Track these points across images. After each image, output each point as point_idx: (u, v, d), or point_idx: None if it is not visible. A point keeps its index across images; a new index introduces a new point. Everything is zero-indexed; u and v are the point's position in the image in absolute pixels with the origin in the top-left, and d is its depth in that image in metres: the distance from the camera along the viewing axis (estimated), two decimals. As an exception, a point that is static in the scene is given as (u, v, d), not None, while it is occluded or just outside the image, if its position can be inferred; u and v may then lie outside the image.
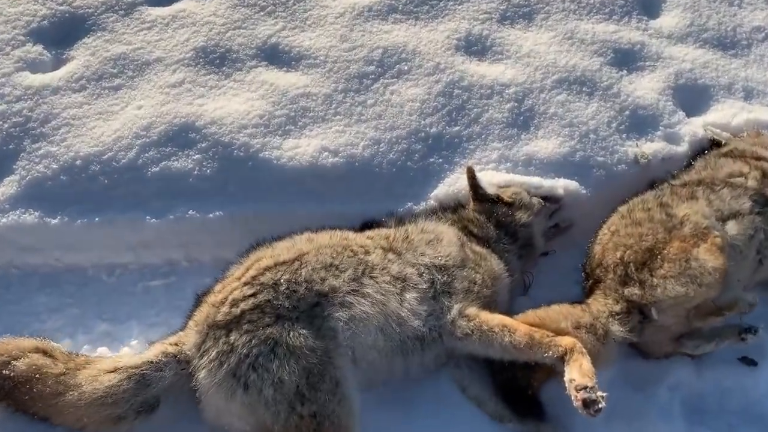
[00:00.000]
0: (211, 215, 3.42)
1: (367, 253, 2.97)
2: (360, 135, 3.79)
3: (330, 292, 2.76)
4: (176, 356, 2.66)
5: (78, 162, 3.50)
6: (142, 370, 2.60)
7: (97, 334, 3.10)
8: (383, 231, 3.18)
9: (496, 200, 3.40)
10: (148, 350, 2.74)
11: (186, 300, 3.25)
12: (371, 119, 3.86)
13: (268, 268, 2.81)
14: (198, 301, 2.91)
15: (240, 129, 3.69)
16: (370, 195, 3.61)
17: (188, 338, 2.70)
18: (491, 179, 3.61)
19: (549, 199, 3.61)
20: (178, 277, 3.35)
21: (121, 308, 3.21)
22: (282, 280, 2.75)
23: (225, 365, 2.55)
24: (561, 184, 3.67)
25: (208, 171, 3.54)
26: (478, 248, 3.18)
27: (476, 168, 3.51)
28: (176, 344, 2.72)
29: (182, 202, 3.44)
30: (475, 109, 4.03)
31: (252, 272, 2.80)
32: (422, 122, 3.88)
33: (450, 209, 3.46)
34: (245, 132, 3.69)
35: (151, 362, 2.64)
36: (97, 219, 3.34)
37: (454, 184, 3.66)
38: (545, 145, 3.88)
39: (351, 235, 3.12)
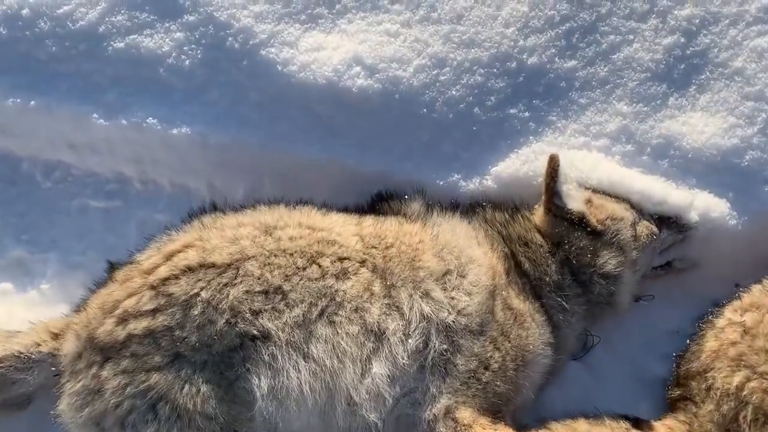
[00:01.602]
0: (175, 131, 2.59)
1: (343, 275, 2.09)
2: (417, 46, 2.68)
3: (260, 338, 1.99)
4: (52, 355, 2.09)
5: (24, 12, 2.69)
6: (2, 368, 2.07)
7: (7, 260, 2.59)
8: (388, 227, 2.26)
9: (578, 223, 2.30)
10: (23, 334, 2.19)
11: (125, 239, 2.64)
12: (443, 21, 2.71)
13: (188, 270, 2.06)
14: (110, 269, 2.24)
15: (246, 3, 2.69)
16: (403, 149, 2.63)
17: (68, 341, 2.10)
18: (586, 172, 2.48)
19: (670, 223, 2.47)
20: (125, 201, 2.69)
21: (46, 229, 2.66)
22: (198, 300, 2.00)
23: (88, 408, 1.96)
24: (699, 204, 2.48)
25: (188, 62, 2.65)
26: (517, 302, 2.21)
27: (564, 157, 2.34)
28: (59, 335, 2.13)
29: (144, 102, 2.62)
30: (611, 36, 2.72)
31: (166, 269, 2.07)
32: (519, 42, 2.68)
33: (500, 211, 2.42)
34: (251, 10, 2.69)
35: (18, 356, 2.10)
36: (32, 103, 2.63)
37: (530, 162, 2.57)
38: (702, 124, 2.60)
39: (339, 227, 2.25)
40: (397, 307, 2.09)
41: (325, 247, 2.17)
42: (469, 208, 2.48)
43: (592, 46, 2.70)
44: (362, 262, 2.18)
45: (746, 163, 2.54)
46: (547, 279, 2.27)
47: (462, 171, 2.58)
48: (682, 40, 2.70)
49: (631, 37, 2.72)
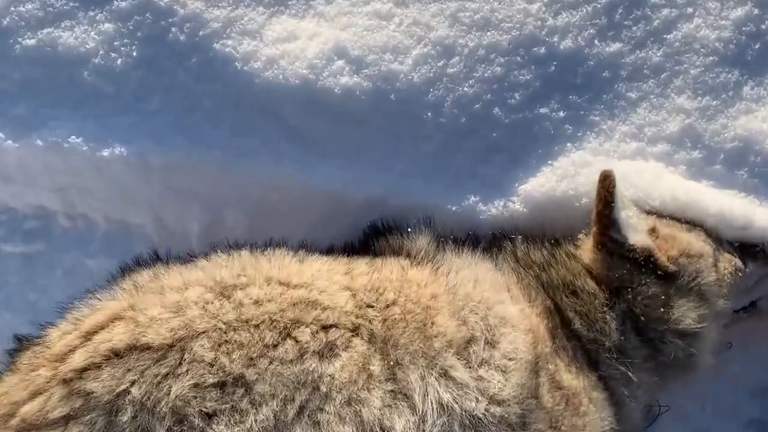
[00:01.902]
0: (106, 151, 1.97)
1: (330, 352, 1.49)
2: (416, 31, 2.09)
3: None
4: None
5: None
6: None
7: None
8: (388, 275, 1.67)
9: (643, 263, 1.72)
10: None
11: (49, 293, 2.07)
12: (451, -4, 2.21)
13: (114, 356, 1.48)
14: (17, 349, 1.72)
15: (196, -20, 2.17)
16: (403, 165, 2.02)
17: None
18: (644, 190, 1.89)
19: (756, 252, 1.90)
20: (48, 243, 2.06)
21: (-54, 284, 2.12)
22: (128, 400, 1.41)
23: None
24: None
25: (120, 62, 2.04)
26: (568, 378, 1.62)
27: (617, 171, 1.75)
28: None
29: (64, 115, 2.01)
30: (664, 10, 2.14)
31: (83, 355, 1.48)
32: (548, 22, 2.10)
33: (536, 247, 1.83)
34: (202, -12, 2.17)
35: None
36: None
37: (570, 178, 1.99)
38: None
39: (322, 280, 1.64)
40: (405, 394, 1.49)
41: (304, 312, 1.58)
42: (492, 242, 1.88)
43: (641, 23, 2.09)
44: (355, 330, 1.60)
45: None
46: (606, 341, 1.69)
47: (481, 192, 1.99)
48: (756, 11, 2.13)
49: (691, 10, 2.11)
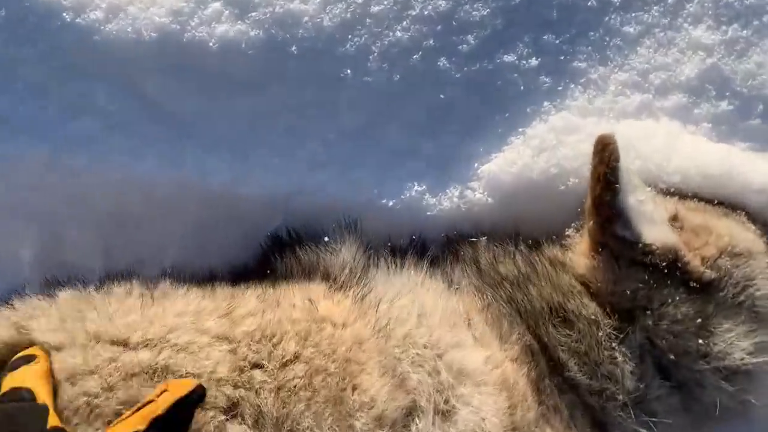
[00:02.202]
0: None
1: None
2: None
3: None
4: None
5: None
6: None
7: None
8: (288, 314, 1.10)
9: (667, 269, 1.14)
10: None
11: None
12: None
13: None
14: None
15: None
16: (315, 147, 1.40)
17: None
18: (657, 161, 1.31)
19: None
20: None
21: None
22: None
23: None
24: None
25: None
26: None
27: (619, 135, 1.17)
28: None
29: None
30: None
31: None
32: None
33: (507, 254, 1.27)
34: None
35: None
36: None
37: (550, 151, 1.37)
38: None
39: (186, 330, 1.04)
40: None
41: (147, 388, 1.09)
42: (445, 251, 1.32)
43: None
44: (231, 409, 1.06)
45: None
46: (617, 392, 1.12)
47: (426, 178, 1.40)
48: None
49: None
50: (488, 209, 1.41)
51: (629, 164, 1.37)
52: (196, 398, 1.01)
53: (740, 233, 1.23)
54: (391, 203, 1.41)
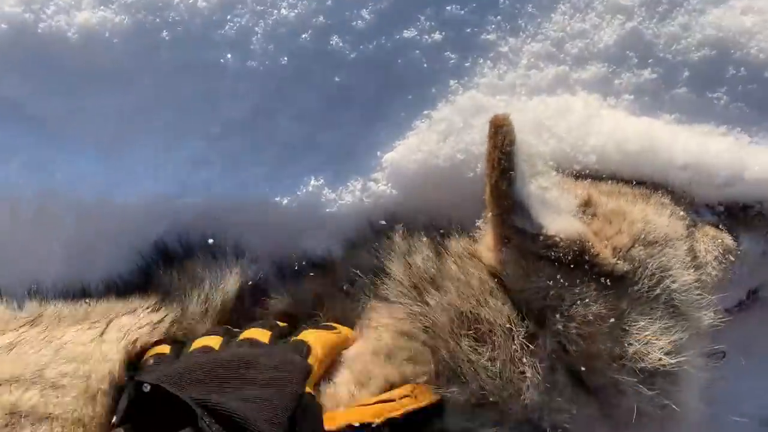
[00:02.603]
0: None
1: None
2: None
3: None
4: None
5: None
6: None
7: None
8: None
9: (575, 262, 1.01)
10: None
11: None
12: None
13: None
14: None
15: None
16: (196, 146, 1.25)
17: None
18: (571, 141, 1.18)
19: (752, 218, 1.20)
20: None
21: None
22: None
23: None
24: None
25: None
26: None
27: (520, 117, 1.09)
28: None
29: None
30: None
31: None
32: None
33: (418, 246, 1.13)
34: None
35: None
36: None
37: (456, 135, 1.24)
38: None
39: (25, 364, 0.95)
40: None
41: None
42: (350, 255, 1.19)
43: None
44: None
45: None
46: (520, 407, 0.98)
47: (325, 171, 1.27)
48: None
49: None
50: (393, 201, 1.28)
51: (542, 145, 1.27)
52: (433, 411, 0.99)
53: (657, 218, 1.10)
54: (285, 201, 1.27)
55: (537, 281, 1.05)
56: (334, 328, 1.09)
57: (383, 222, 1.26)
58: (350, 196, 1.30)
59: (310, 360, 1.01)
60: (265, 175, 1.30)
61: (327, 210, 1.29)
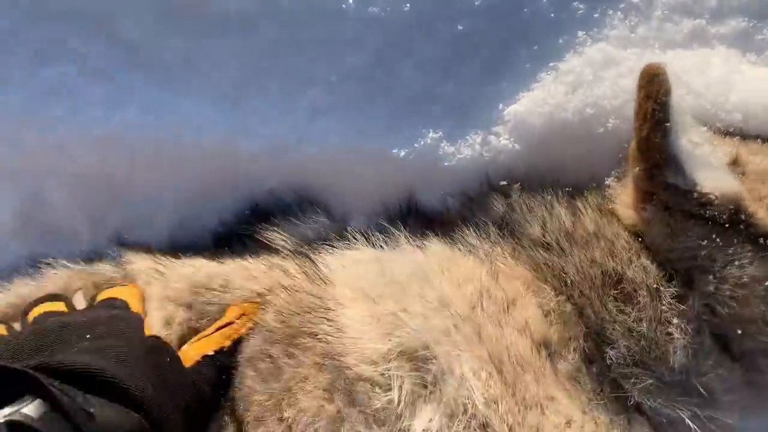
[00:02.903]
0: None
1: None
2: None
3: None
4: None
5: None
6: None
7: None
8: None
9: (729, 222, 0.95)
10: None
11: None
12: None
13: None
14: None
15: None
16: (316, 94, 1.22)
17: None
18: (713, 96, 1.12)
19: None
20: None
21: None
22: None
23: None
24: None
25: None
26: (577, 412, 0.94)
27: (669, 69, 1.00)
28: None
29: None
30: None
31: None
32: None
33: (544, 205, 1.09)
34: None
35: None
36: None
37: (586, 88, 1.18)
38: None
39: None
40: None
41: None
42: (462, 209, 1.18)
43: None
44: None
45: None
46: (665, 371, 0.95)
47: (444, 123, 1.23)
48: None
49: None
50: (515, 157, 1.24)
51: (680, 101, 1.24)
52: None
53: None
54: (402, 153, 1.24)
55: (686, 241, 1.00)
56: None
57: (504, 182, 1.25)
58: (469, 150, 1.26)
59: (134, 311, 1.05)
60: (384, 126, 1.27)
61: (445, 164, 1.25)
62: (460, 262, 1.07)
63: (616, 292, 0.99)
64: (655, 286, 0.99)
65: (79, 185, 1.32)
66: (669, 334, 0.97)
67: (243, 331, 1.02)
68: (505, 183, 1.21)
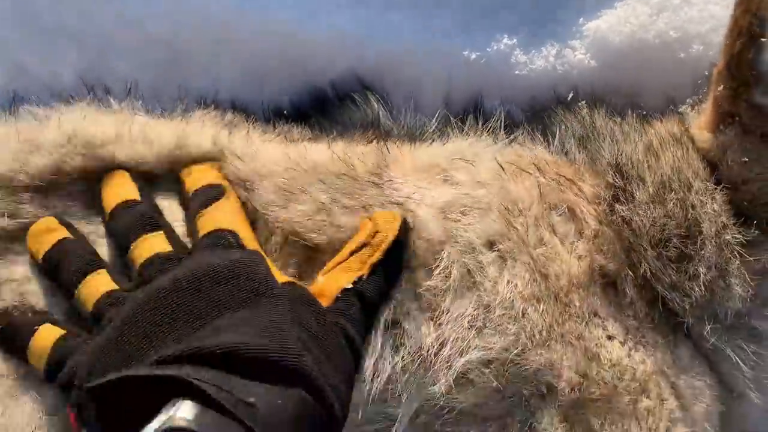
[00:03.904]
0: None
1: None
2: None
3: None
4: None
5: None
6: None
7: None
8: None
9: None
10: None
11: None
12: None
13: None
14: None
15: None
16: None
17: None
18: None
19: None
20: None
21: None
22: None
23: None
24: None
25: None
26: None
27: None
28: None
29: None
30: None
31: None
32: None
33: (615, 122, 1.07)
34: None
35: None
36: None
37: (672, 11, 1.16)
38: None
39: None
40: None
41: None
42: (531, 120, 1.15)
43: None
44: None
45: None
46: (726, 306, 0.94)
47: (520, 31, 1.22)
48: None
49: None
50: (590, 73, 1.23)
51: None
52: (406, 231, 0.93)
53: None
54: (473, 56, 1.23)
55: (763, 171, 0.99)
56: (219, 188, 0.97)
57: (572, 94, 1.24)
58: (543, 62, 1.25)
59: (248, 245, 0.91)
60: (458, 27, 1.26)
61: (516, 72, 1.24)
62: (527, 167, 1.08)
63: (682, 246, 0.96)
64: (726, 237, 0.95)
65: (141, 54, 1.35)
66: (728, 287, 0.95)
67: (381, 253, 0.88)
68: (571, 96, 1.22)
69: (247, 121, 1.15)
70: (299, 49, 1.29)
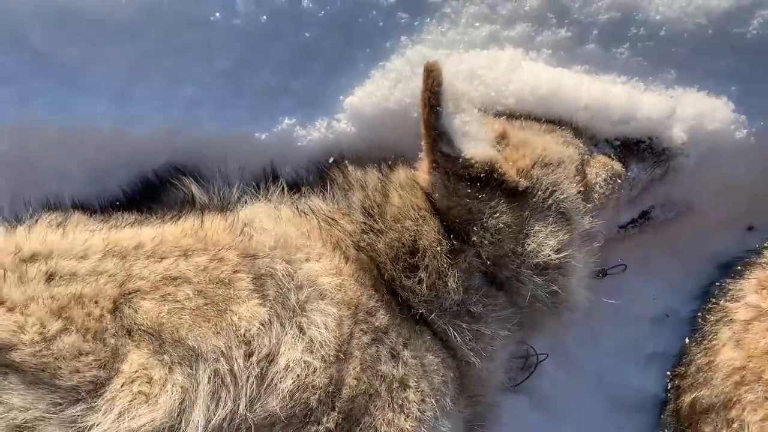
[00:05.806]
0: None
1: None
2: None
3: None
4: None
5: None
6: None
7: None
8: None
9: (486, 180, 1.35)
10: None
11: None
12: None
13: None
14: None
15: None
16: (193, 90, 1.58)
17: None
18: (497, 86, 1.52)
19: (642, 150, 1.57)
20: None
21: None
22: None
23: None
24: (686, 112, 1.56)
25: None
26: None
27: (453, 63, 1.49)
28: None
29: None
30: None
31: None
32: None
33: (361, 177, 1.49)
34: None
35: None
36: None
37: (406, 82, 1.57)
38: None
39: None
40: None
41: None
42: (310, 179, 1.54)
43: None
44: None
45: (754, 32, 1.70)
46: (447, 299, 1.35)
47: (297, 112, 1.60)
48: None
49: None
50: (352, 138, 1.64)
51: (473, 91, 1.60)
52: None
53: (553, 146, 1.46)
54: (264, 136, 1.63)
55: (458, 199, 1.40)
56: None
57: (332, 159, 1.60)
58: (317, 133, 1.65)
59: None
60: (248, 115, 1.64)
61: (298, 144, 1.64)
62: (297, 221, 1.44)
63: (409, 260, 1.37)
64: (437, 249, 1.37)
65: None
66: (446, 284, 1.36)
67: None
68: (338, 157, 1.60)
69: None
70: (126, 147, 1.64)
